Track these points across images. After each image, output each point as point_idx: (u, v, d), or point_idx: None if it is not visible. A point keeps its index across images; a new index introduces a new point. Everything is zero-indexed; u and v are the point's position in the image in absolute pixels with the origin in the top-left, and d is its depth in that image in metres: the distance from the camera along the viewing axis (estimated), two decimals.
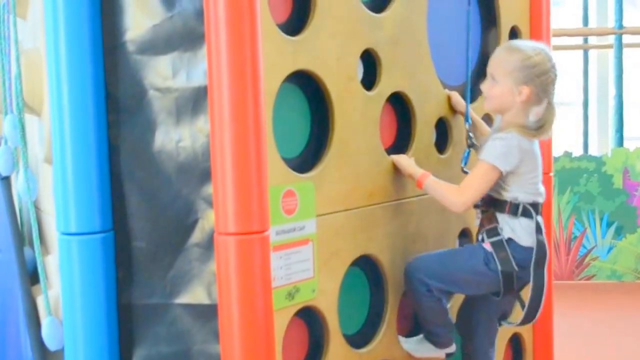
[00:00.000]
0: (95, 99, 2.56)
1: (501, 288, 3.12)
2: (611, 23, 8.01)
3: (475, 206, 3.23)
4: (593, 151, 8.89)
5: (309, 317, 2.84)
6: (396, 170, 3.15)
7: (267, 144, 2.48)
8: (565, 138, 8.24)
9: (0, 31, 3.05)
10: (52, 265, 2.87)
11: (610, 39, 7.77)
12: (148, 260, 2.60)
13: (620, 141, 7.20)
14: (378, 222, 3.08)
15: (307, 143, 2.89)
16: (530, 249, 3.12)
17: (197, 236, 2.55)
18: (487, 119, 3.61)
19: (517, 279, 3.13)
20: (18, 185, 2.98)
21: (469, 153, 3.40)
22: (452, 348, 3.25)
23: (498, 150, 3.08)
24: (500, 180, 3.12)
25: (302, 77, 2.80)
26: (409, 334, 3.28)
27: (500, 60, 3.18)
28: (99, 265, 2.57)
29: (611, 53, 7.92)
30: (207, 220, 2.53)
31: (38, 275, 2.90)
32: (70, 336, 2.60)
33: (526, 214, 3.13)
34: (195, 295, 2.56)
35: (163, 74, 2.56)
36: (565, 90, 9.48)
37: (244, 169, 2.36)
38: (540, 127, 3.15)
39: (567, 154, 6.87)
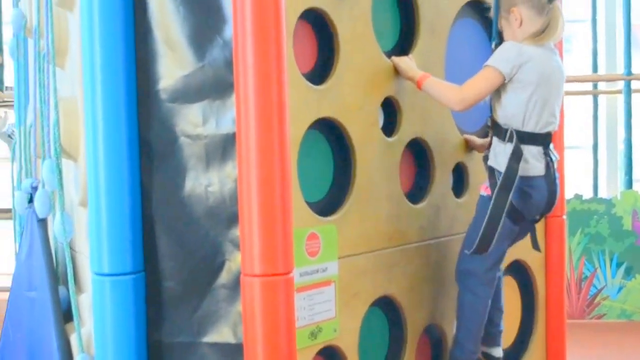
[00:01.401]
0: (129, 145, 2.59)
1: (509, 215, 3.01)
2: (620, 69, 8.00)
3: (487, 126, 3.17)
4: (603, 193, 8.85)
5: (330, 355, 2.83)
6: (415, 213, 3.15)
7: (292, 189, 2.48)
8: (575, 181, 8.20)
9: (40, 80, 3.08)
10: (85, 303, 2.87)
11: (619, 85, 7.76)
12: (177, 300, 2.61)
13: (629, 184, 7.17)
14: (397, 264, 3.07)
15: (330, 187, 2.91)
16: (499, 173, 3.02)
17: (224, 277, 2.56)
18: None
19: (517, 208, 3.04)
20: (54, 227, 2.99)
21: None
22: None
23: (499, 55, 3.04)
24: (502, 91, 3.03)
25: (326, 124, 2.82)
26: None
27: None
28: (130, 305, 2.58)
29: (620, 98, 7.91)
30: (234, 262, 2.53)
31: (71, 313, 2.90)
32: None
33: (511, 140, 3.01)
34: (221, 334, 2.56)
35: (193, 122, 2.58)
36: (576, 134, 9.47)
37: (270, 213, 2.36)
38: (545, 29, 3.06)
39: (578, 197, 6.84)
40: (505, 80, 3.00)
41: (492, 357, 3.33)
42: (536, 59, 3.02)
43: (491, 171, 3.07)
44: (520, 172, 2.98)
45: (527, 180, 3.04)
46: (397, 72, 3.06)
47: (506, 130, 3.03)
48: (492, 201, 2.98)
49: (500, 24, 3.17)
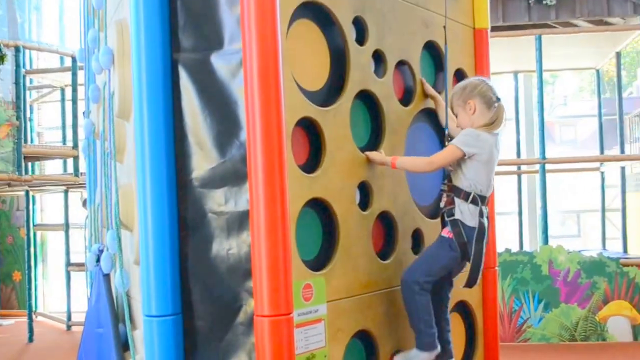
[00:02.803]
0: (170, 220, 2.61)
1: (459, 255, 3.07)
2: (537, 155, 8.03)
3: (442, 190, 3.18)
4: (526, 248, 8.83)
5: None
6: (384, 267, 3.15)
7: (291, 251, 2.49)
8: (505, 238, 8.21)
9: (104, 171, 3.11)
10: (138, 337, 2.85)
11: (537, 167, 7.78)
12: (206, 335, 2.60)
13: (546, 240, 7.16)
14: (371, 305, 3.06)
15: (319, 249, 2.90)
16: (473, 228, 3.06)
17: (241, 317, 2.56)
18: None
19: (468, 249, 3.06)
20: (115, 280, 2.99)
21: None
22: (438, 349, 3.08)
23: (462, 138, 3.08)
24: (463, 165, 3.08)
25: (316, 203, 2.84)
26: None
27: (450, 97, 3.24)
28: (171, 338, 2.58)
29: (537, 177, 7.93)
30: (249, 306, 2.53)
31: (129, 344, 2.89)
32: None
33: (474, 201, 3.07)
34: None
35: (218, 202, 2.60)
36: (505, 204, 9.50)
37: (275, 269, 2.39)
38: (493, 122, 3.13)
39: (507, 250, 6.85)
40: (465, 157, 3.06)
41: None
42: (489, 142, 3.10)
43: (455, 222, 3.08)
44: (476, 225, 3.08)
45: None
46: (369, 162, 3.09)
47: (468, 193, 3.08)
48: (473, 250, 3.05)
49: (457, 111, 3.22)
